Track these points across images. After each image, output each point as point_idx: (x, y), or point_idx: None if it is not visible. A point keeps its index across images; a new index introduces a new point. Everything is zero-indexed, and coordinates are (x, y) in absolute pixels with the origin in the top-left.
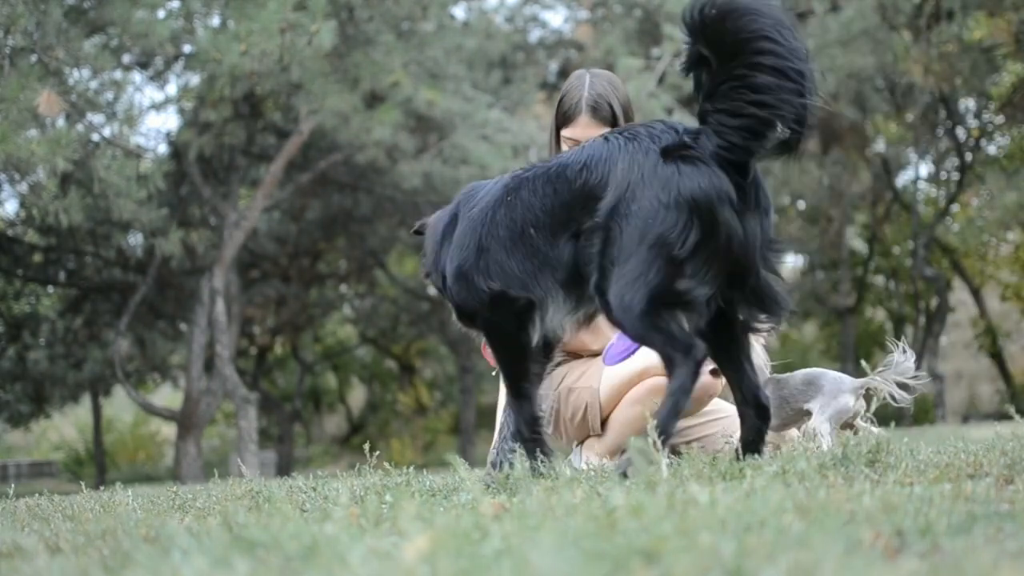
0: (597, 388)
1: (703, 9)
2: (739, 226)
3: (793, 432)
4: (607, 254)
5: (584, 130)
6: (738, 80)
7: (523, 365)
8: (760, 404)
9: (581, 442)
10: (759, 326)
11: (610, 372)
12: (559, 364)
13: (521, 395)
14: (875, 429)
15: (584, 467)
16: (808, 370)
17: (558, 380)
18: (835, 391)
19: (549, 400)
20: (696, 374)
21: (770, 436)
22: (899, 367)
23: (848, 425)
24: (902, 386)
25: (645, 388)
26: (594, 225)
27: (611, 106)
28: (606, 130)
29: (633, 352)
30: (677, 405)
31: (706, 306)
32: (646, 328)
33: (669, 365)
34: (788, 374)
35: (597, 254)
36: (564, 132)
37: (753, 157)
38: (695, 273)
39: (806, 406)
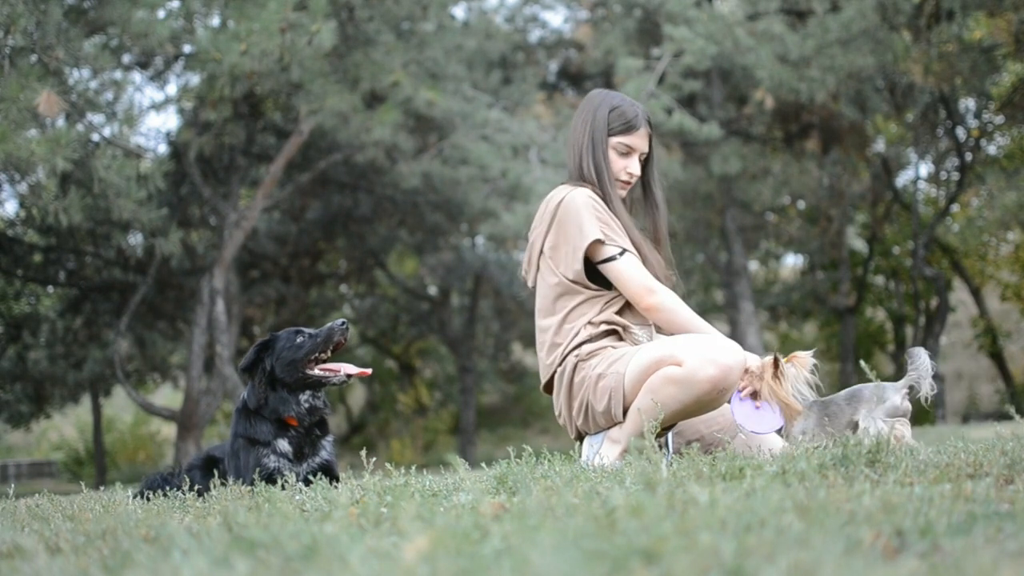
0: (623, 373)
1: None
2: None
3: None
4: None
5: (641, 140)
6: None
7: None
8: None
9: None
10: None
11: (637, 358)
12: (592, 355)
13: None
14: (910, 437)
15: (600, 459)
16: (849, 388)
17: (590, 370)
18: (879, 396)
19: (581, 393)
20: None
21: None
22: (924, 365)
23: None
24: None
25: (659, 377)
26: None
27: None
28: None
29: (771, 430)
30: None
31: None
32: None
33: None
34: (831, 395)
35: None
36: (621, 139)
37: None
38: None
39: (854, 418)
